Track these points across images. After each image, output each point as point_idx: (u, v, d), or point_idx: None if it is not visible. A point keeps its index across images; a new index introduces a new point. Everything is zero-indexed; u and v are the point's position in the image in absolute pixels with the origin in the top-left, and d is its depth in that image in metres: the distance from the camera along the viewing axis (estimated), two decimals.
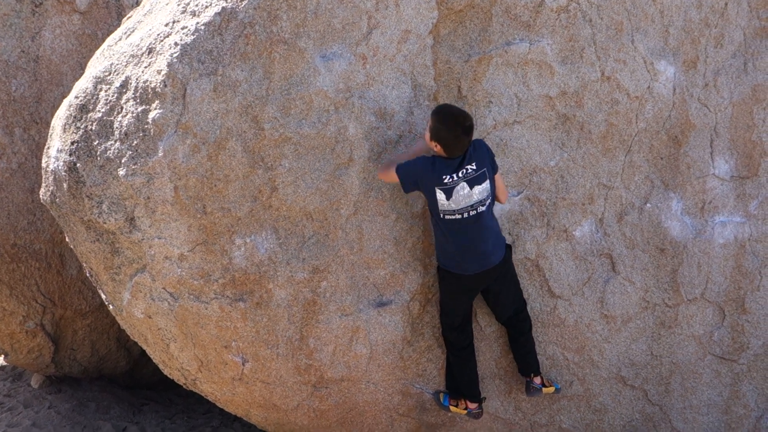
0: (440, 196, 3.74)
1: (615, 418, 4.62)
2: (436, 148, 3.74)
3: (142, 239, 3.82)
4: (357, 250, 4.04)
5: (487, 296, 4.17)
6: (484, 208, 3.79)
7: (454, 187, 3.72)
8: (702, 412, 4.74)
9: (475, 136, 4.11)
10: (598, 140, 4.32)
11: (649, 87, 4.35)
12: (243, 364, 4.12)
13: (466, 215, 3.76)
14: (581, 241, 4.37)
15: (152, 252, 3.85)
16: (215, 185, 3.76)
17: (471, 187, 3.74)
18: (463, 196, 3.74)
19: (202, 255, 3.86)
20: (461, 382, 4.21)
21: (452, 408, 4.21)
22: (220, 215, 3.81)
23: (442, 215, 3.79)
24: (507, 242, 4.13)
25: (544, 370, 4.42)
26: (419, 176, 3.73)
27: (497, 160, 4.10)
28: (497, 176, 3.94)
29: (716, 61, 4.46)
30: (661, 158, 4.46)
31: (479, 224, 3.80)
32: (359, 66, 3.88)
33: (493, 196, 3.88)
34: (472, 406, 4.18)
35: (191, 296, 3.94)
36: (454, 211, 3.76)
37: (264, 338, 4.04)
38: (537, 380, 4.23)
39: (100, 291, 4.32)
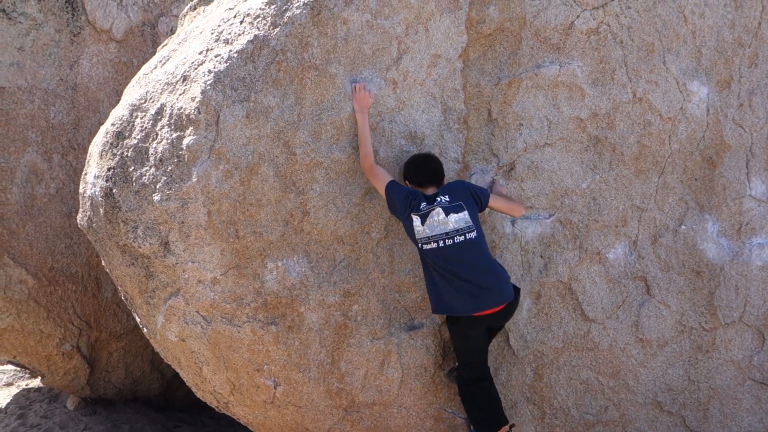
0: (416, 222, 3.70)
1: None
2: (410, 185, 3.82)
3: (176, 263, 3.87)
4: (388, 273, 4.05)
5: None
6: (462, 239, 3.66)
7: (428, 213, 3.69)
8: None
9: (507, 158, 4.12)
10: (630, 162, 4.28)
11: (681, 108, 4.31)
12: (275, 388, 4.13)
13: (441, 243, 3.65)
14: (615, 263, 4.32)
15: (186, 276, 3.90)
16: (248, 210, 3.81)
17: (446, 215, 3.68)
18: (437, 222, 3.67)
19: (234, 279, 3.90)
20: (483, 415, 3.99)
21: None
22: (253, 239, 3.84)
23: (420, 246, 3.72)
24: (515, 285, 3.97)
25: (576, 395, 4.35)
26: (402, 205, 3.71)
27: (529, 182, 4.09)
28: (494, 198, 3.88)
29: (750, 81, 4.40)
30: (696, 179, 4.40)
31: (462, 256, 3.65)
32: (389, 90, 3.91)
33: (479, 231, 3.71)
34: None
35: (224, 320, 3.98)
36: (429, 238, 3.68)
37: (296, 362, 4.05)
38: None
39: (134, 314, 4.38)
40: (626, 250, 4.34)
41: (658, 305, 4.37)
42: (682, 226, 4.39)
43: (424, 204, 3.71)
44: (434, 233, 3.67)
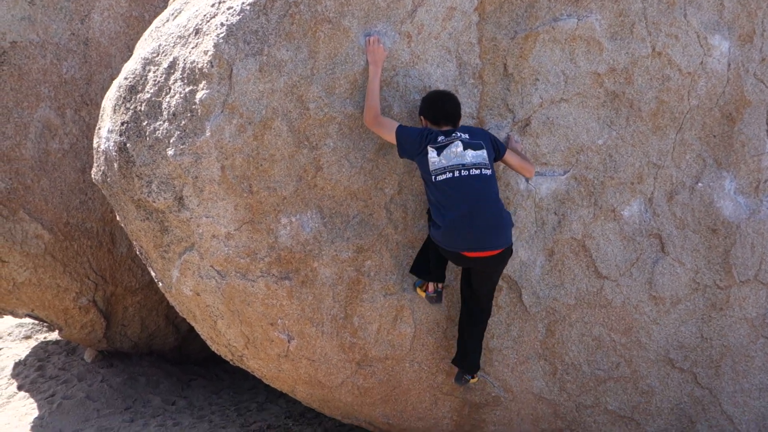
0: (432, 154, 3.63)
1: (663, 400, 4.55)
2: (424, 123, 3.77)
3: (191, 218, 3.89)
4: (401, 229, 4.04)
5: (466, 272, 4.01)
6: (478, 172, 3.60)
7: (447, 145, 3.63)
8: (754, 396, 4.63)
9: (522, 114, 4.07)
10: (648, 118, 4.22)
11: (702, 62, 4.22)
12: (289, 342, 4.18)
13: (457, 174, 3.58)
14: (629, 221, 4.29)
15: (200, 230, 3.91)
16: (261, 165, 3.80)
17: (464, 149, 3.63)
18: (455, 154, 3.61)
19: (248, 234, 3.91)
20: (423, 260, 4.02)
21: (418, 290, 4.09)
22: (266, 194, 3.84)
23: (433, 177, 3.62)
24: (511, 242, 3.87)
25: (588, 351, 4.37)
26: (417, 140, 3.64)
27: (544, 138, 4.06)
28: (510, 154, 3.84)
29: None
30: (714, 136, 4.34)
31: (474, 190, 3.57)
32: (404, 44, 3.85)
33: (493, 172, 3.68)
34: (431, 288, 4.08)
35: (238, 274, 4.00)
36: (444, 168, 3.60)
37: (309, 316, 4.09)
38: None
39: (149, 269, 4.42)
40: (641, 208, 4.30)
41: (673, 263, 4.36)
42: (699, 184, 4.35)
43: (441, 137, 3.66)
44: (451, 163, 3.60)
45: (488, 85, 4.07)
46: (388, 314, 4.14)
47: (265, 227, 3.90)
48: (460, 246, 3.65)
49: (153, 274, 4.41)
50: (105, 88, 5.87)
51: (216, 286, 4.05)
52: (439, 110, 3.72)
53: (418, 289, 4.09)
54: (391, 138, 3.70)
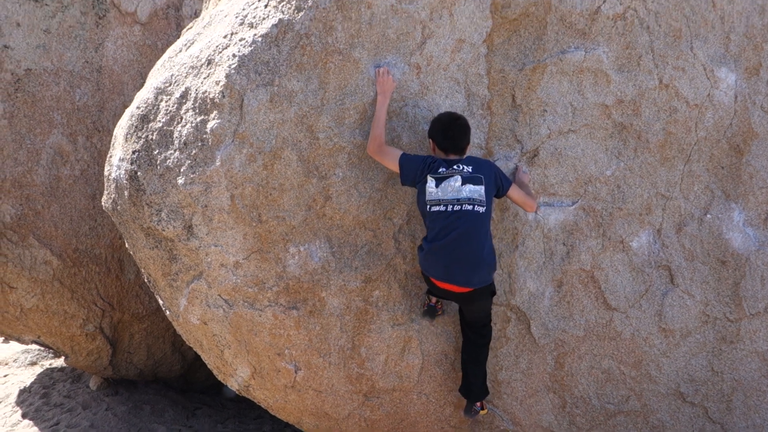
0: (430, 184, 3.63)
1: None
2: (431, 146, 3.77)
3: (200, 247, 3.90)
4: (410, 259, 4.04)
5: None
6: (470, 208, 3.58)
7: (446, 178, 3.63)
8: None
9: (530, 145, 4.08)
10: (655, 149, 4.23)
11: (709, 94, 4.24)
12: (295, 372, 4.16)
13: (450, 208, 3.58)
14: (638, 252, 4.28)
15: (209, 259, 3.92)
16: (270, 194, 3.82)
17: (463, 183, 3.62)
18: (452, 188, 3.60)
19: (256, 263, 3.92)
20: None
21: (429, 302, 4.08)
22: (275, 224, 3.86)
23: (428, 206, 3.63)
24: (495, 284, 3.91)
25: (598, 384, 4.34)
26: (419, 168, 3.66)
27: (552, 169, 4.07)
28: (513, 190, 3.82)
29: None
30: (722, 167, 4.34)
31: (461, 224, 3.56)
32: (413, 75, 3.89)
33: (488, 209, 3.66)
34: (434, 300, 4.07)
35: (246, 303, 4.00)
36: (439, 200, 3.61)
37: (316, 346, 4.07)
38: (478, 404, 4.12)
39: (157, 297, 4.42)
40: (650, 239, 4.29)
41: (682, 295, 4.33)
42: (708, 215, 4.34)
43: (443, 168, 3.65)
44: (446, 197, 3.61)
45: (497, 116, 4.10)
46: (395, 345, 4.13)
47: (273, 256, 3.91)
48: (433, 273, 3.68)
49: (160, 302, 4.42)
50: (117, 115, 5.94)
51: (223, 315, 4.05)
52: (449, 141, 3.72)
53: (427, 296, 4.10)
54: (394, 166, 3.71)
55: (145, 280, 4.49)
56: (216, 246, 3.90)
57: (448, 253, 3.59)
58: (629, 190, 4.24)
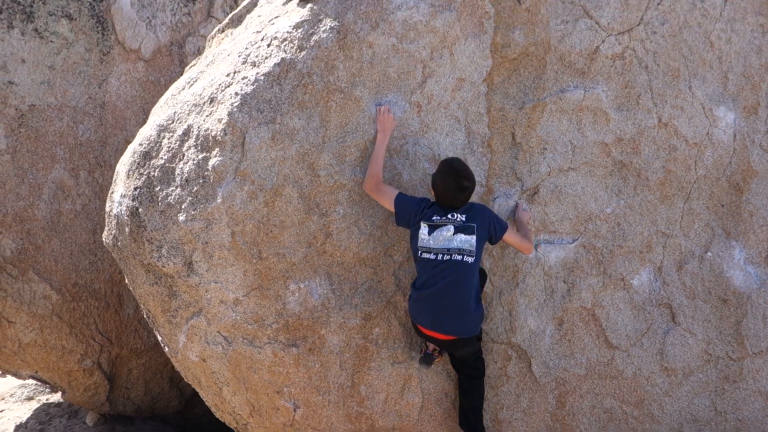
0: (423, 230, 3.65)
1: None
2: (432, 193, 3.77)
3: (199, 283, 3.89)
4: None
5: None
6: (459, 258, 3.60)
7: (439, 227, 3.64)
8: None
9: (530, 182, 4.10)
10: (655, 187, 4.24)
11: (708, 133, 4.27)
12: (294, 410, 4.12)
13: (440, 257, 3.61)
14: (639, 290, 4.27)
15: (208, 296, 3.91)
16: (271, 231, 3.82)
17: (455, 233, 3.64)
18: (444, 237, 3.62)
19: (256, 300, 3.90)
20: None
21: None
22: (275, 261, 3.85)
23: (419, 252, 3.66)
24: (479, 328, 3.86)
25: (600, 424, 4.29)
26: (414, 211, 3.68)
27: (553, 207, 4.08)
28: (509, 235, 3.81)
29: None
30: (722, 206, 4.35)
31: (449, 274, 3.58)
32: (414, 114, 3.92)
33: (477, 258, 3.65)
34: (430, 347, 4.04)
35: (245, 341, 3.98)
36: (430, 248, 3.63)
37: (316, 384, 4.04)
38: None
39: (156, 333, 4.40)
40: (651, 277, 4.28)
41: (684, 333, 4.31)
42: (708, 253, 4.33)
43: (436, 217, 3.66)
44: (437, 245, 3.63)
45: (497, 154, 4.12)
46: (395, 383, 4.09)
47: (273, 293, 3.90)
48: (420, 320, 3.70)
49: (159, 338, 4.39)
50: (119, 150, 5.97)
51: (222, 352, 4.03)
52: (448, 200, 3.68)
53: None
54: (390, 206, 3.73)
55: (145, 316, 4.48)
56: (216, 282, 3.89)
57: (436, 302, 3.62)
58: (629, 227, 4.24)
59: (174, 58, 6.29)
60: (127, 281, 4.34)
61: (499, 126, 4.10)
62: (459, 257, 3.61)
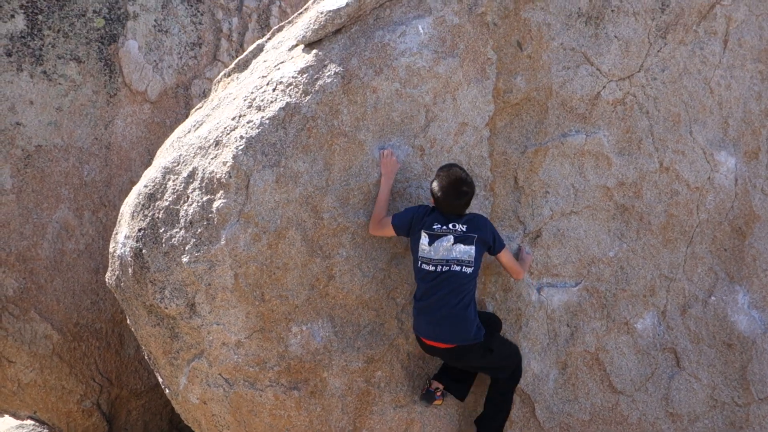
0: (424, 240, 3.66)
1: None
2: (430, 199, 3.78)
3: (202, 325, 3.88)
4: (413, 339, 4.01)
5: None
6: (458, 269, 3.62)
7: (439, 236, 3.65)
8: None
9: (533, 226, 4.11)
10: (658, 231, 4.25)
11: (709, 178, 4.30)
12: None
13: (439, 268, 3.62)
14: (643, 334, 4.25)
15: (210, 338, 3.90)
16: (274, 273, 3.82)
17: (455, 243, 3.65)
18: (444, 248, 3.64)
19: (258, 342, 3.89)
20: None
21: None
22: (278, 303, 3.85)
23: (419, 263, 3.68)
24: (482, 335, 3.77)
25: None
26: (414, 219, 3.70)
27: (555, 250, 4.09)
28: (504, 254, 3.83)
29: None
30: (725, 250, 4.35)
31: (448, 284, 3.61)
32: (417, 157, 3.96)
33: (475, 268, 3.68)
34: (433, 385, 3.97)
35: (246, 383, 3.95)
36: (430, 259, 3.65)
37: (317, 428, 3.99)
38: None
39: (157, 374, 4.37)
40: (655, 321, 4.27)
41: (689, 378, 4.27)
42: (712, 297, 4.33)
43: (437, 225, 3.67)
44: (437, 257, 3.65)
45: (499, 197, 4.14)
46: (398, 427, 4.05)
47: (275, 336, 3.89)
48: (421, 331, 3.74)
49: (160, 380, 4.36)
50: (123, 190, 6.00)
51: (224, 394, 3.99)
52: (446, 206, 3.69)
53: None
54: (391, 231, 3.77)
55: (146, 357, 4.45)
56: (218, 324, 3.88)
57: (434, 311, 3.65)
58: (632, 271, 4.24)
59: (180, 100, 6.37)
60: (129, 322, 4.33)
61: (502, 170, 4.14)
62: (457, 268, 3.64)
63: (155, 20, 6.19)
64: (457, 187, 3.67)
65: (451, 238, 3.66)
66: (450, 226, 3.68)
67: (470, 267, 3.66)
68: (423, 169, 3.97)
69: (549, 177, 4.15)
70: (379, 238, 3.90)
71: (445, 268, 3.64)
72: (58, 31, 5.72)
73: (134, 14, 6.07)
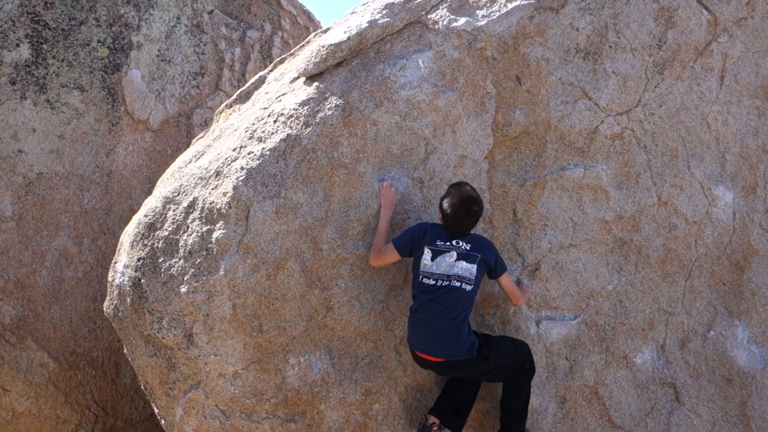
0: (426, 255, 3.68)
1: None
2: (438, 215, 3.79)
3: (199, 356, 3.87)
4: (410, 372, 3.99)
5: None
6: (458, 285, 3.63)
7: (443, 252, 3.67)
8: None
9: (532, 258, 4.12)
10: (656, 265, 4.26)
11: (707, 212, 4.31)
12: None
13: (440, 283, 3.64)
14: (642, 368, 4.23)
15: (207, 369, 3.88)
16: (272, 304, 3.82)
17: (457, 260, 3.67)
18: (446, 263, 3.66)
19: (256, 373, 3.87)
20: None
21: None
22: (276, 334, 3.84)
23: (420, 277, 3.69)
24: (475, 347, 3.73)
25: None
26: (416, 237, 3.72)
27: (554, 283, 4.09)
28: (505, 278, 3.83)
29: None
30: (724, 284, 4.35)
31: (446, 299, 3.62)
32: (416, 189, 3.98)
33: (475, 287, 3.69)
34: (429, 420, 3.89)
35: (243, 415, 3.92)
36: (431, 273, 3.66)
37: None
38: None
39: (153, 405, 4.34)
40: (654, 355, 4.25)
41: (689, 413, 4.24)
42: (711, 332, 4.31)
43: (440, 242, 3.70)
44: (439, 271, 3.66)
45: (498, 230, 4.15)
46: None
47: (273, 367, 3.87)
48: (414, 344, 3.73)
49: (156, 410, 4.33)
50: (123, 218, 6.02)
51: (220, 426, 3.96)
52: (454, 223, 3.71)
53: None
54: (394, 255, 3.78)
55: (142, 387, 4.42)
56: (216, 355, 3.86)
57: (429, 325, 3.65)
58: (631, 304, 4.23)
59: (181, 128, 6.42)
60: (126, 351, 4.31)
61: (501, 202, 4.15)
62: (457, 284, 3.65)
63: (159, 50, 6.27)
64: (467, 206, 3.71)
65: (454, 254, 3.68)
66: (454, 242, 3.70)
67: (470, 285, 3.67)
68: (422, 201, 3.99)
69: (548, 210, 4.17)
70: (378, 270, 3.90)
71: (445, 283, 3.65)
72: (62, 60, 5.78)
73: (138, 44, 6.14)
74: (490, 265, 3.75)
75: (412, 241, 3.75)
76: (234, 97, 4.50)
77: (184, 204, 3.94)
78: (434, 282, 3.66)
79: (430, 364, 3.76)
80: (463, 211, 3.70)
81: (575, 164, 4.19)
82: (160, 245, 3.93)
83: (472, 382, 3.93)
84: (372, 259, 3.83)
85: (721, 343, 4.31)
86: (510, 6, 4.10)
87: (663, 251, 4.26)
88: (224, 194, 3.82)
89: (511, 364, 3.85)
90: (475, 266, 3.68)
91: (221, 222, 3.80)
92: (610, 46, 4.20)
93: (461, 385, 3.92)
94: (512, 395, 3.89)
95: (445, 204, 3.73)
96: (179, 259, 3.86)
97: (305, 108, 3.90)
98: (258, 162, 3.83)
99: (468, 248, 3.70)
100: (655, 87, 4.26)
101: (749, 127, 4.40)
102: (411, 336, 3.76)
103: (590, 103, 4.18)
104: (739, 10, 4.37)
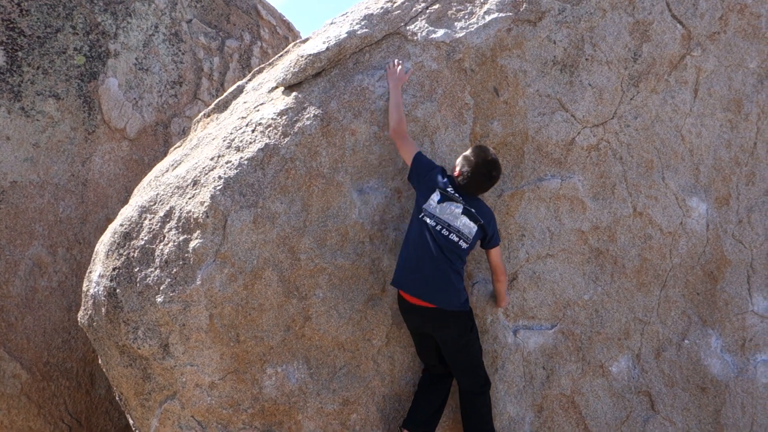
0: (435, 196, 3.70)
1: None
2: (455, 170, 3.79)
3: (175, 366, 3.83)
4: (389, 381, 3.99)
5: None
6: (455, 239, 3.67)
7: (450, 200, 3.70)
8: None
9: (509, 268, 4.14)
10: (632, 274, 4.30)
11: (681, 223, 4.37)
12: None
13: (439, 228, 3.66)
14: (618, 377, 4.26)
15: (183, 379, 3.84)
16: (249, 314, 3.80)
17: (462, 213, 3.70)
18: (450, 212, 3.69)
19: (232, 384, 3.84)
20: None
21: None
22: (253, 344, 3.82)
23: (422, 214, 3.70)
24: (467, 314, 3.83)
25: None
26: (428, 176, 3.74)
27: (531, 293, 4.12)
28: (497, 252, 3.87)
29: (749, 198, 4.49)
30: (698, 294, 4.41)
31: (441, 247, 3.64)
32: (394, 199, 3.99)
33: (470, 247, 3.72)
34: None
35: (219, 426, 3.89)
36: (433, 215, 3.68)
37: None
38: None
39: (128, 416, 4.29)
40: (629, 364, 4.29)
41: (663, 422, 4.28)
42: (686, 341, 4.37)
43: (451, 189, 3.72)
44: (442, 217, 3.68)
45: None
46: None
47: (250, 377, 3.84)
48: (402, 284, 3.71)
49: (131, 421, 4.28)
50: (99, 227, 5.95)
51: None
52: (471, 184, 3.73)
53: None
54: (408, 157, 3.80)
55: (117, 399, 4.37)
56: (192, 366, 3.83)
57: (421, 267, 3.66)
58: (607, 314, 4.27)
59: (159, 137, 6.38)
60: (100, 362, 4.25)
61: None
62: (455, 239, 3.68)
63: (136, 58, 6.23)
64: (489, 169, 3.74)
65: (461, 206, 3.71)
66: (460, 199, 3.73)
67: (466, 243, 3.71)
68: (400, 212, 4.00)
69: (525, 220, 4.20)
70: (356, 280, 3.90)
71: (444, 232, 3.67)
72: (38, 67, 5.72)
73: (115, 52, 6.10)
74: (488, 234, 3.79)
75: (427, 170, 3.75)
76: (212, 106, 4.48)
77: (161, 213, 3.91)
78: (434, 224, 3.68)
79: (417, 310, 3.72)
80: (484, 173, 3.73)
81: (552, 175, 4.23)
82: (135, 255, 3.89)
83: (443, 386, 3.94)
84: (395, 132, 3.81)
85: (695, 352, 4.37)
86: (488, 18, 4.14)
87: (638, 261, 4.31)
88: (201, 203, 3.80)
89: (477, 361, 3.89)
90: (476, 227, 3.72)
91: (198, 231, 3.78)
92: (586, 59, 4.26)
93: (432, 390, 3.91)
94: (476, 405, 3.89)
95: (464, 163, 3.74)
96: (155, 268, 3.83)
97: (284, 118, 3.90)
98: (236, 171, 3.82)
99: (473, 211, 3.74)
100: (631, 99, 4.32)
101: (722, 140, 4.47)
102: (402, 278, 3.71)
103: (567, 114, 4.22)
104: (712, 25, 4.46)
